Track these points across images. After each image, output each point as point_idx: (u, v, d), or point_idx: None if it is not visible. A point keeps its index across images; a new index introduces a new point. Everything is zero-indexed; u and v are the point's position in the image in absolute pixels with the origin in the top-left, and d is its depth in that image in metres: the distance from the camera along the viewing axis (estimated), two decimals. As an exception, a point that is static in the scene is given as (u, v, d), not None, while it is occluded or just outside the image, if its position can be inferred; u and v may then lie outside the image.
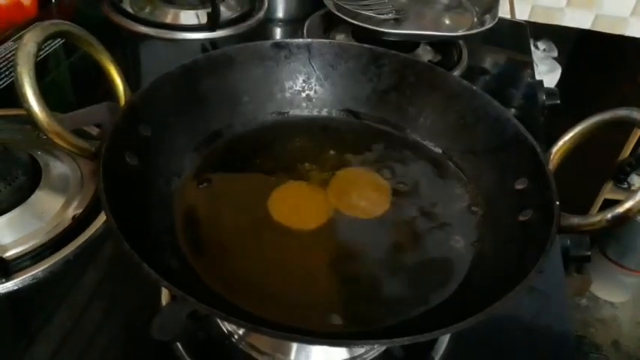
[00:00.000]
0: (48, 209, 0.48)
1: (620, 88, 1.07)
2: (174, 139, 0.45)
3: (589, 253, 0.51)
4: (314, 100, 0.53)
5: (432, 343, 0.42)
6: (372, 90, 0.52)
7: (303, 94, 0.53)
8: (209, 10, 0.77)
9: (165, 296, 0.43)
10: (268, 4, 0.87)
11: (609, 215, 0.36)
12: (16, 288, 0.43)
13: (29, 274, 0.43)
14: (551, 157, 0.42)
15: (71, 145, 0.38)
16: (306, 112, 0.53)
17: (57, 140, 0.38)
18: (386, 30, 0.72)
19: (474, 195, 0.46)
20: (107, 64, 0.45)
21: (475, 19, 0.80)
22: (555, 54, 1.02)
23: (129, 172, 0.40)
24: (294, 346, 0.40)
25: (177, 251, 0.39)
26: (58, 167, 0.51)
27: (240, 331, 0.41)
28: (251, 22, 0.83)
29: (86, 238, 0.47)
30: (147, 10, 0.82)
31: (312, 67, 0.52)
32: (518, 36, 0.89)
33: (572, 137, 0.42)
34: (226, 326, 0.41)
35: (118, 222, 0.32)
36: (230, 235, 0.42)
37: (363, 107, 0.53)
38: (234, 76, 0.50)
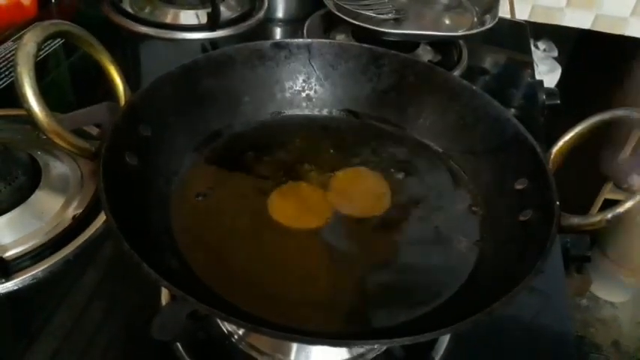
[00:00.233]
0: (48, 209, 0.48)
1: (620, 88, 1.07)
2: (174, 139, 0.45)
3: (589, 253, 0.51)
4: (314, 100, 0.53)
5: (432, 343, 0.42)
6: (372, 90, 0.53)
7: (303, 94, 0.53)
8: (209, 10, 0.77)
9: (165, 296, 0.43)
10: (268, 4, 0.87)
11: (609, 215, 0.36)
12: (16, 288, 0.43)
13: (29, 274, 0.43)
14: (551, 157, 0.42)
15: (71, 145, 0.38)
16: (306, 112, 0.53)
17: (57, 140, 0.38)
18: (386, 30, 0.72)
19: (474, 195, 0.46)
20: (107, 64, 0.45)
21: (475, 19, 0.80)
22: (555, 54, 1.02)
23: (129, 172, 0.40)
24: (294, 346, 0.40)
25: (176, 251, 0.39)
26: (58, 167, 0.51)
27: (240, 331, 0.41)
28: (251, 22, 0.83)
29: (86, 238, 0.47)
30: (147, 10, 0.82)
31: (312, 67, 0.52)
32: (519, 36, 0.89)
33: (572, 137, 0.42)
34: (226, 326, 0.41)
35: (118, 222, 0.32)
36: (230, 235, 0.42)
37: (363, 107, 0.53)
38: (234, 76, 0.50)
